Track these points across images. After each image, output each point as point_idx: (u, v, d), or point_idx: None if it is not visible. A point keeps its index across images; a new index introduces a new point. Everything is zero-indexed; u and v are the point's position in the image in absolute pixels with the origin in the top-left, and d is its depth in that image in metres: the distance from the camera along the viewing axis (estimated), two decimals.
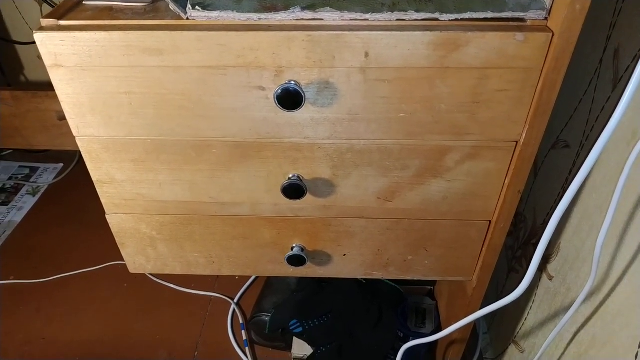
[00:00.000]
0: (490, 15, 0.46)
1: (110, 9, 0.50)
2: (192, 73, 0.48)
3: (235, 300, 1.06)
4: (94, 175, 0.58)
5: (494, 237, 0.61)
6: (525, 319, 0.78)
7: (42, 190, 1.36)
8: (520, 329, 0.80)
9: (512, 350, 0.84)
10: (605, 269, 0.55)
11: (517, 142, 0.52)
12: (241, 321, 1.02)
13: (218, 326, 1.02)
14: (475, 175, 0.55)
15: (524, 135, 0.51)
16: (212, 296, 1.08)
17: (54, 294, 1.10)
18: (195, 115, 0.52)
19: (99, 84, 0.50)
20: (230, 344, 0.99)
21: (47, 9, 1.26)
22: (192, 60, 0.47)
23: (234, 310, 1.04)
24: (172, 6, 0.47)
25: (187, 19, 0.47)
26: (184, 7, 0.47)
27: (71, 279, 1.13)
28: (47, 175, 1.41)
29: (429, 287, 0.98)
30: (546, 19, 0.45)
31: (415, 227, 0.62)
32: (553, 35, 0.44)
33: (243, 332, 1.00)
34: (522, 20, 0.46)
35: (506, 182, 0.56)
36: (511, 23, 0.46)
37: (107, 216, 0.63)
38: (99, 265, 1.14)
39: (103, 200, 0.61)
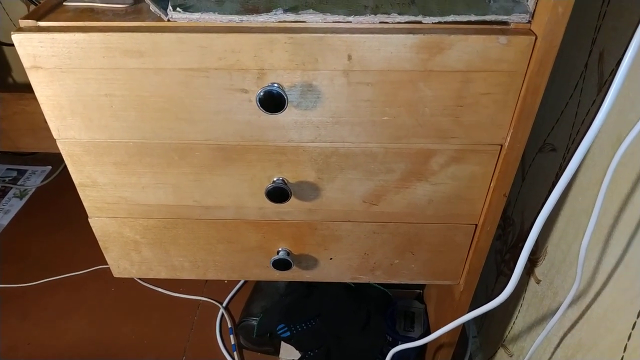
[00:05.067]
0: (473, 18, 0.45)
1: (91, 10, 0.49)
2: (174, 75, 0.48)
3: (224, 305, 1.05)
4: (76, 178, 0.58)
5: (480, 241, 0.61)
6: (514, 322, 0.78)
7: (30, 193, 1.35)
8: (509, 332, 0.80)
9: (501, 353, 0.83)
10: (591, 272, 0.54)
11: (501, 145, 0.52)
12: (229, 325, 1.01)
13: (206, 330, 1.02)
14: (460, 178, 0.55)
15: (509, 138, 0.51)
16: (200, 300, 1.07)
17: (41, 299, 1.08)
18: (177, 118, 0.51)
19: (78, 86, 0.49)
20: (219, 348, 0.98)
21: None
22: (173, 62, 0.47)
23: (223, 314, 1.04)
24: (152, 7, 0.46)
25: (168, 20, 0.46)
26: (164, 9, 0.46)
27: (58, 283, 1.11)
28: (35, 178, 1.40)
29: (418, 291, 0.98)
30: (529, 22, 0.45)
31: (401, 231, 0.61)
32: (536, 38, 0.44)
33: (231, 336, 0.99)
34: (505, 23, 0.46)
35: (491, 185, 0.55)
36: (494, 26, 0.46)
37: (89, 220, 0.62)
38: (86, 269, 1.13)
39: (85, 204, 0.60)
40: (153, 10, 0.46)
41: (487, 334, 0.91)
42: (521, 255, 0.49)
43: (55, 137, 0.53)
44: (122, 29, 0.46)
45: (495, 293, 0.88)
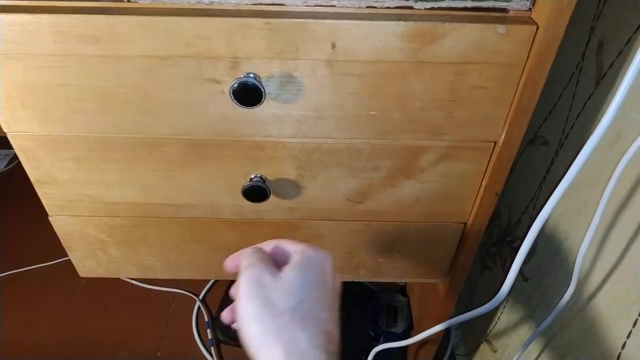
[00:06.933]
0: (469, 4, 0.41)
1: None
2: (136, 63, 0.43)
3: (200, 297, 1.01)
4: (32, 174, 0.52)
5: (469, 240, 0.58)
6: (498, 318, 0.76)
7: None
8: (493, 327, 0.78)
9: (484, 348, 0.82)
10: (584, 275, 0.52)
11: (495, 142, 0.49)
12: (206, 319, 0.98)
13: (182, 324, 0.98)
14: (450, 176, 0.52)
15: (503, 135, 0.47)
16: (175, 293, 1.03)
17: (5, 293, 1.03)
18: (142, 111, 0.46)
19: (28, 75, 0.43)
20: (195, 343, 0.94)
21: None
22: (135, 49, 0.42)
23: (199, 307, 1.00)
24: None
25: (128, 1, 0.41)
26: None
27: (25, 275, 1.06)
28: None
29: (401, 284, 0.96)
30: (530, 9, 0.41)
31: (386, 230, 0.58)
32: (537, 28, 0.40)
33: (208, 330, 0.95)
34: (504, 10, 0.42)
35: (483, 183, 0.52)
36: (492, 14, 0.42)
37: (50, 218, 0.57)
38: (54, 260, 1.07)
39: (44, 202, 0.55)
40: None
41: (470, 327, 0.90)
42: (515, 262, 0.46)
43: (5, 130, 0.48)
44: (75, 10, 0.40)
45: (479, 287, 0.86)
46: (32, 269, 1.07)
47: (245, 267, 0.37)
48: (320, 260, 0.38)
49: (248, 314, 0.34)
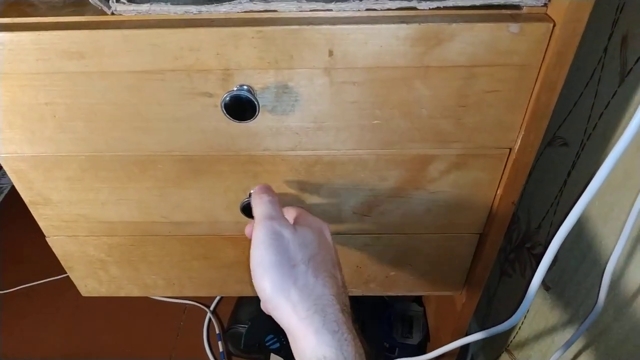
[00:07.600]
0: (478, 2, 0.38)
1: (20, 3, 0.41)
2: (123, 79, 0.40)
3: (211, 308, 0.99)
4: (25, 196, 0.51)
5: (485, 251, 0.54)
6: (520, 327, 0.72)
7: (5, 192, 1.28)
8: (514, 337, 0.74)
9: (505, 358, 0.78)
10: (612, 290, 0.48)
11: (510, 149, 0.45)
12: (217, 331, 0.95)
13: (193, 336, 0.96)
14: (462, 186, 0.48)
15: (519, 141, 0.44)
16: (186, 304, 1.01)
17: (16, 307, 1.02)
18: (132, 128, 0.44)
19: (12, 94, 0.41)
20: (206, 355, 0.92)
21: None
22: (121, 64, 0.39)
23: (210, 319, 0.98)
24: None
25: (112, 14, 0.39)
26: (107, 0, 0.38)
27: (34, 289, 1.05)
28: None
29: None
30: (545, 5, 0.38)
31: (396, 242, 0.55)
32: (554, 25, 0.37)
33: (219, 342, 0.93)
34: (517, 7, 0.38)
35: (498, 192, 0.49)
36: (504, 11, 0.38)
37: (47, 239, 0.55)
38: (62, 274, 1.05)
39: (40, 223, 0.54)
40: (93, 3, 0.38)
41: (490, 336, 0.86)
42: (535, 277, 0.42)
43: None
44: (56, 26, 0.38)
45: (497, 294, 0.82)
46: (41, 283, 1.06)
47: (264, 216, 0.38)
48: (322, 225, 0.42)
49: (267, 262, 0.36)
